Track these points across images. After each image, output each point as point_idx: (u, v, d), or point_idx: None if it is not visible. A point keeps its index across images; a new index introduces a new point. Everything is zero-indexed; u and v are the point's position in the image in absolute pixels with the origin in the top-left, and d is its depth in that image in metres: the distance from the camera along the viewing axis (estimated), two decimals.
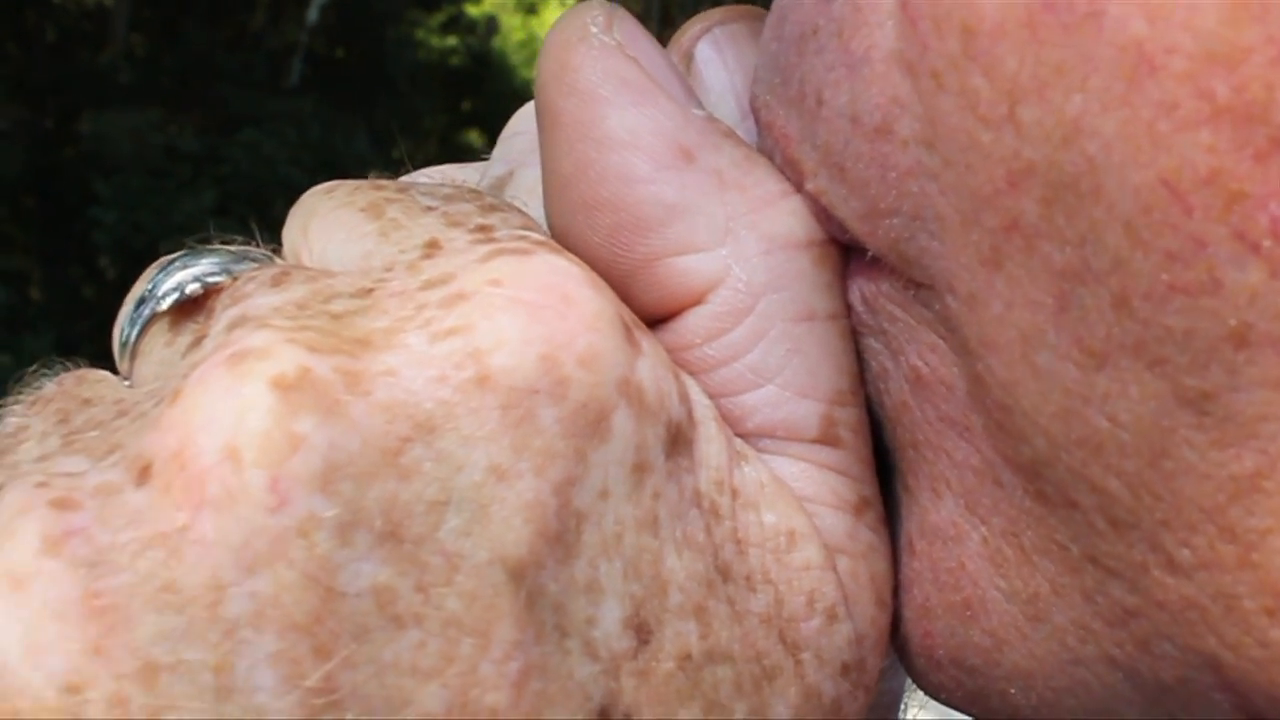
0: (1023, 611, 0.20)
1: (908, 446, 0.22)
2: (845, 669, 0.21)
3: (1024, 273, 0.18)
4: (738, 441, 0.21)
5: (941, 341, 0.20)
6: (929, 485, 0.21)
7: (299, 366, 0.18)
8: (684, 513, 0.19)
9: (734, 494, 0.20)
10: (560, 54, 0.21)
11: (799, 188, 0.21)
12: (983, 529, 0.21)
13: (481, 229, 0.20)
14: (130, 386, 0.21)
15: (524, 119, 0.25)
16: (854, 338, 0.22)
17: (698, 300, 0.20)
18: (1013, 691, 0.21)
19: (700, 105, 0.21)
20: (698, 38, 0.23)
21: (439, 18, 12.16)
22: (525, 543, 0.18)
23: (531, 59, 12.45)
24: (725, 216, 0.20)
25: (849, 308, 0.22)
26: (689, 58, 0.23)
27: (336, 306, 0.19)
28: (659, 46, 0.21)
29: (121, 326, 0.22)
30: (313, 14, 10.28)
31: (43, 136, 10.80)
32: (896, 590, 0.22)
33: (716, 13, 0.23)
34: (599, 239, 0.20)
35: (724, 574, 0.20)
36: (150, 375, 0.21)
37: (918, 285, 0.20)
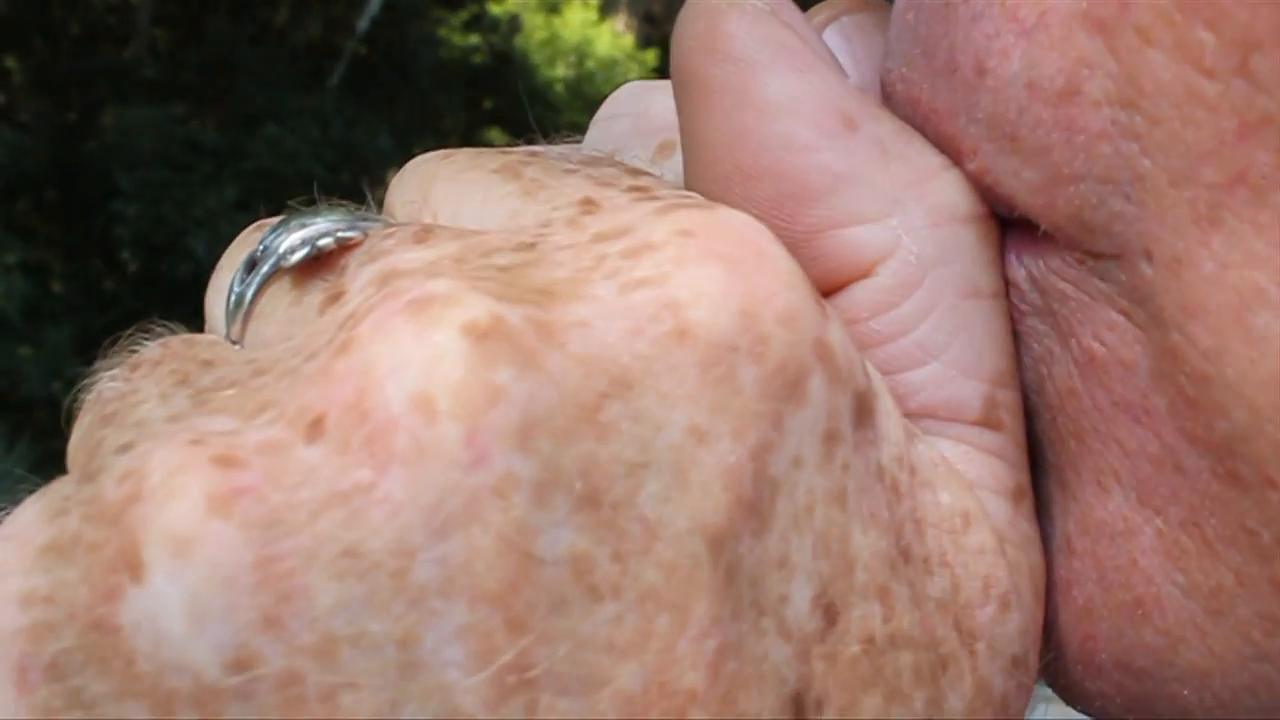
0: (1203, 606, 0.19)
1: (1069, 438, 0.21)
2: (1015, 662, 0.20)
3: (1248, 227, 0.18)
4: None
5: (1122, 317, 0.19)
6: (1094, 479, 0.21)
7: (491, 314, 0.16)
8: (869, 488, 0.18)
9: (912, 471, 0.19)
10: (711, 20, 0.20)
11: (957, 164, 0.20)
12: (1158, 521, 0.20)
13: (637, 189, 0.19)
14: (243, 349, 0.20)
15: (622, 102, 0.24)
16: (1014, 322, 0.21)
17: (865, 273, 0.20)
18: (1185, 693, 0.20)
19: (848, 77, 0.21)
20: (823, 27, 0.22)
21: (462, 16, 12.17)
22: (724, 511, 0.17)
23: (554, 58, 12.46)
24: (892, 187, 0.20)
25: (1010, 289, 0.21)
26: None
27: (500, 260, 0.18)
28: (804, 16, 0.21)
29: (230, 289, 0.21)
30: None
31: (66, 130, 10.84)
32: (1049, 593, 0.21)
33: (842, 1, 0.23)
34: (759, 210, 0.19)
35: (905, 555, 0.19)
36: (277, 335, 0.19)
37: (1098, 257, 0.20)
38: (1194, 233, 0.18)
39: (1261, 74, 0.17)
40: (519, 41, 12.36)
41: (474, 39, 12.30)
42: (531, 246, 0.18)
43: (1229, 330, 0.18)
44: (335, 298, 0.19)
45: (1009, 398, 0.20)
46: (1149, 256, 0.19)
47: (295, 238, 0.20)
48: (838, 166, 0.19)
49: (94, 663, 0.15)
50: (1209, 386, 0.19)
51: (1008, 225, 0.21)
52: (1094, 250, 0.20)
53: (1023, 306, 0.21)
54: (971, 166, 0.20)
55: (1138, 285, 0.19)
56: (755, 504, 0.17)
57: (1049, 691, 0.22)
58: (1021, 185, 0.20)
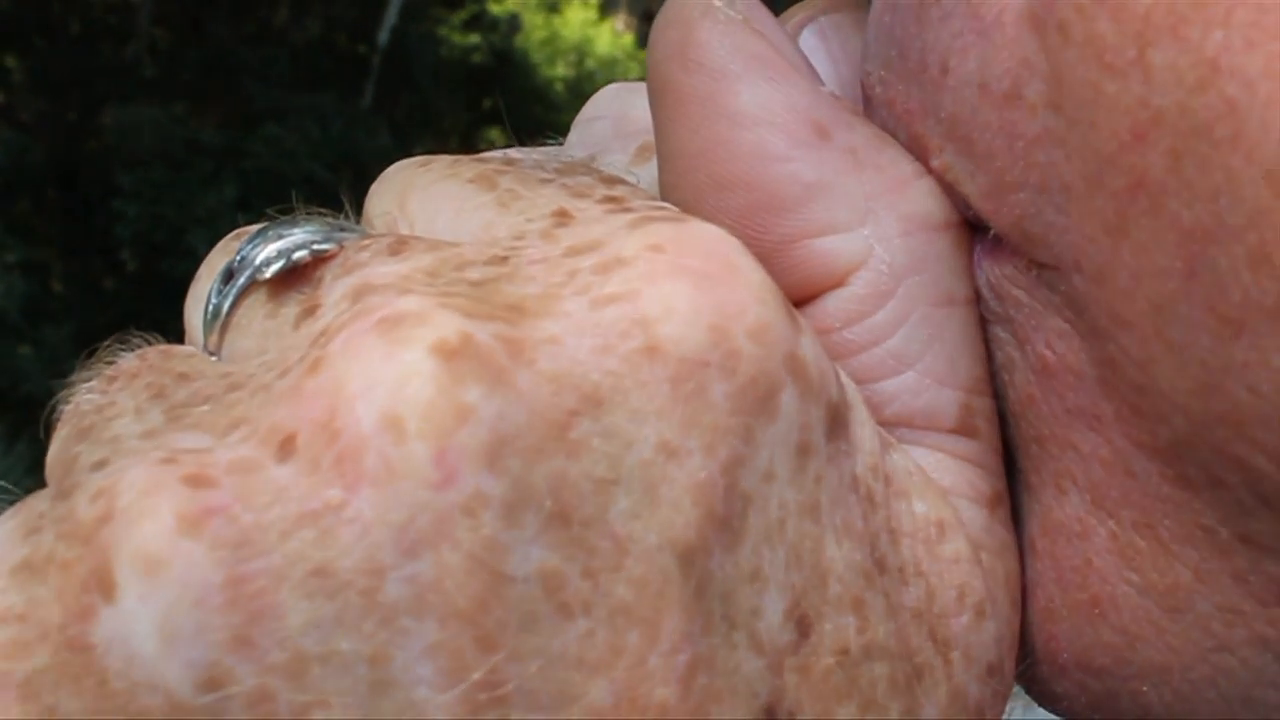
0: (1159, 604, 0.19)
1: (1031, 442, 0.21)
2: (990, 670, 0.20)
3: (1149, 237, 0.17)
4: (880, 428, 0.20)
5: (1069, 326, 0.19)
6: (1053, 482, 0.20)
7: (460, 332, 0.16)
8: (843, 499, 0.18)
9: (887, 481, 0.19)
10: (683, 29, 0.20)
11: (925, 165, 0.20)
12: (1111, 523, 0.20)
13: (611, 199, 0.19)
14: (219, 361, 0.20)
15: (604, 103, 0.24)
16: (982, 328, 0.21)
17: (837, 283, 0.19)
18: (1145, 689, 0.20)
19: (823, 83, 0.21)
20: (800, 28, 0.22)
21: (461, 15, 12.16)
22: (694, 526, 0.17)
23: (553, 57, 12.45)
24: (864, 196, 0.19)
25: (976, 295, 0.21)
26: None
27: (472, 274, 0.18)
28: (778, 22, 0.21)
29: (208, 299, 0.20)
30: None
31: (66, 129, 10.83)
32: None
33: (819, 1, 0.23)
34: (731, 220, 0.19)
35: (880, 565, 0.19)
36: (253, 348, 0.19)
37: (1042, 266, 0.19)
38: (1107, 243, 0.18)
39: (1157, 68, 0.16)
40: (519, 41, 12.35)
41: (474, 38, 12.28)
42: (504, 260, 0.18)
43: (1152, 342, 0.18)
44: (310, 311, 0.18)
45: (984, 405, 0.20)
46: (1079, 269, 0.18)
47: (271, 249, 0.20)
48: (809, 176, 0.19)
49: (67, 682, 0.15)
50: (1146, 396, 0.18)
51: (974, 233, 0.21)
52: (1037, 260, 0.19)
53: (985, 315, 0.21)
54: (935, 164, 0.20)
55: (1075, 297, 0.19)
56: (726, 519, 0.17)
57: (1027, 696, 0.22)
58: (976, 188, 0.19)
